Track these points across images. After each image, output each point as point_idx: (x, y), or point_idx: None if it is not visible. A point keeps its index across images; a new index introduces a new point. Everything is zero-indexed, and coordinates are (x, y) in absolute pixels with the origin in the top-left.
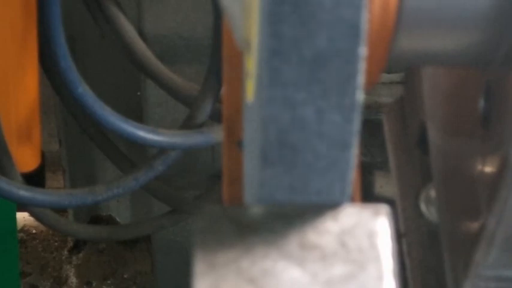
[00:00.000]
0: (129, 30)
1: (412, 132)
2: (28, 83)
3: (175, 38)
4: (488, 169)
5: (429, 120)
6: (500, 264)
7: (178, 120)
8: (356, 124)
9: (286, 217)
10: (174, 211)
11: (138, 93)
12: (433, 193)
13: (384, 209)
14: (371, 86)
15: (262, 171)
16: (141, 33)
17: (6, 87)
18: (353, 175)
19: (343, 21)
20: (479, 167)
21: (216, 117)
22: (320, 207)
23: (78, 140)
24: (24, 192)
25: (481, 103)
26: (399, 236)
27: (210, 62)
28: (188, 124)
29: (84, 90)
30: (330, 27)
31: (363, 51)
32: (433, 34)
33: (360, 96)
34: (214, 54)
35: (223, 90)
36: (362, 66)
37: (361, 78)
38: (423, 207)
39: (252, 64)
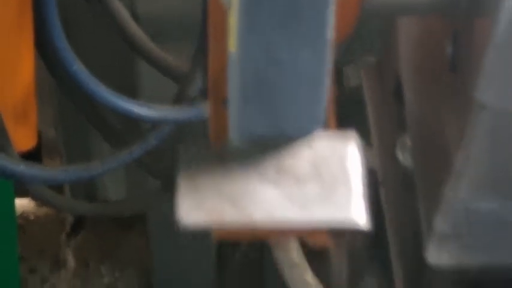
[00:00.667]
0: (121, 11)
1: (388, 85)
2: (24, 64)
3: (167, 18)
4: (456, 111)
5: (403, 73)
6: (468, 198)
7: (171, 98)
8: (327, 60)
9: (264, 147)
10: (168, 187)
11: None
12: (408, 141)
13: (352, 135)
14: (346, 36)
15: (242, 108)
16: (134, 14)
17: (2, 68)
18: (326, 108)
19: None
20: (448, 110)
21: (206, 93)
22: (295, 138)
23: (74, 124)
24: (24, 168)
25: (449, 49)
26: (377, 183)
27: (199, 38)
28: (179, 99)
29: (78, 68)
30: None
31: None
32: None
33: (331, 35)
34: (202, 30)
35: (209, 52)
36: (332, 9)
37: (331, 19)
38: (399, 154)
39: (233, 17)
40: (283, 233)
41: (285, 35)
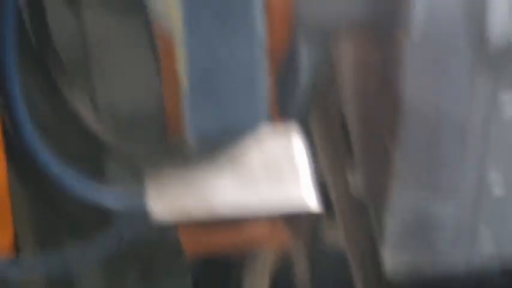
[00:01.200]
0: (83, 111)
1: (333, 116)
2: None
3: (127, 117)
4: (391, 117)
5: (346, 100)
6: (411, 198)
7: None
8: (261, 57)
9: (217, 145)
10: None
11: None
12: (355, 165)
13: (295, 128)
14: (282, 51)
15: (192, 105)
16: (96, 112)
17: None
18: (266, 97)
19: None
20: (385, 120)
21: None
22: (242, 132)
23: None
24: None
25: (379, 62)
26: (331, 209)
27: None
28: None
29: (46, 157)
30: None
31: None
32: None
33: (262, 32)
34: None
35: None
36: (260, 9)
37: (260, 18)
38: (349, 177)
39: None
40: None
41: (221, 34)
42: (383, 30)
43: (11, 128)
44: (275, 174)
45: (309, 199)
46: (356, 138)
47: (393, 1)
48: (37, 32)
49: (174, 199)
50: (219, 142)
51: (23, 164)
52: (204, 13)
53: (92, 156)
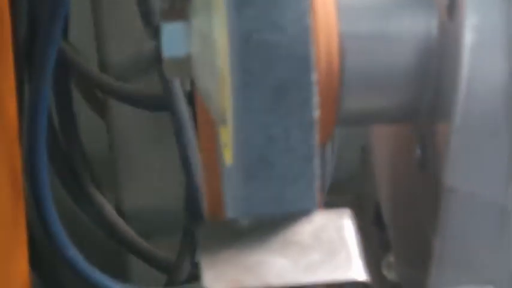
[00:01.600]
0: (107, 208)
1: (367, 214)
2: (18, 259)
3: (151, 213)
4: (430, 207)
5: (382, 196)
6: (451, 282)
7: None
8: (315, 139)
9: (268, 224)
10: None
11: None
12: (392, 259)
13: (347, 212)
14: (326, 139)
15: (245, 188)
16: (119, 211)
17: None
18: (317, 184)
19: (296, 54)
20: (424, 211)
21: (194, 277)
22: (294, 214)
23: None
24: None
25: (418, 152)
26: None
27: (183, 226)
28: (169, 285)
29: (74, 254)
30: (287, 61)
31: (315, 77)
32: (370, 92)
33: (316, 115)
34: (186, 220)
35: (203, 186)
36: (315, 90)
37: (316, 100)
38: (385, 272)
39: (228, 134)
40: None
41: (276, 115)
42: (422, 121)
43: (39, 225)
44: (326, 252)
45: (360, 275)
46: (392, 227)
47: (434, 93)
48: (67, 135)
49: (229, 275)
50: (268, 225)
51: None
52: (258, 90)
53: (114, 252)
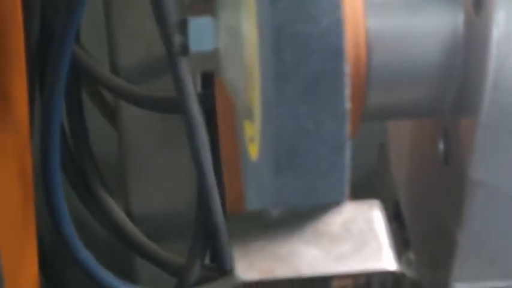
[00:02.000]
0: (117, 211)
1: (386, 210)
2: (28, 257)
3: (160, 216)
4: (453, 202)
5: (400, 193)
6: (475, 277)
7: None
8: (346, 130)
9: (298, 215)
10: None
11: None
12: (412, 256)
13: (376, 203)
14: (354, 133)
15: (276, 180)
16: (129, 214)
17: (6, 263)
18: (348, 176)
19: (329, 46)
20: (446, 205)
21: (204, 281)
22: (324, 206)
23: None
24: None
25: (441, 146)
26: None
27: (194, 228)
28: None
29: (86, 255)
30: (320, 52)
31: (347, 69)
32: (396, 86)
33: (348, 106)
34: (197, 222)
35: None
36: (347, 82)
37: (348, 92)
38: (405, 270)
39: (254, 128)
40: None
41: (310, 105)
42: (446, 115)
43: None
44: (356, 243)
45: (391, 265)
46: (411, 224)
47: (460, 88)
48: (77, 140)
49: (261, 265)
50: (299, 216)
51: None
52: (293, 82)
53: (124, 255)
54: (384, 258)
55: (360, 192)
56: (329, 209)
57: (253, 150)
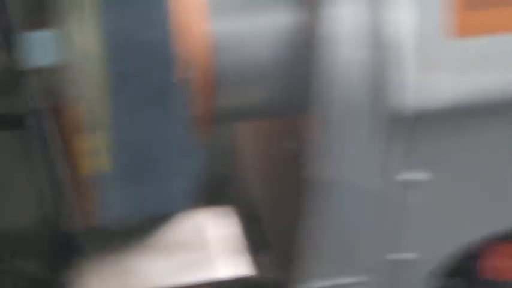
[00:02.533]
0: None
1: (241, 213)
2: None
3: (14, 233)
4: (303, 204)
5: (256, 196)
6: (327, 274)
7: None
8: (191, 136)
9: (150, 225)
10: None
11: None
12: (268, 258)
13: (228, 210)
14: (205, 138)
15: (126, 190)
16: None
17: None
18: (194, 184)
19: (161, 55)
20: (298, 209)
21: None
22: (174, 214)
23: None
24: None
25: (290, 145)
26: None
27: (50, 244)
28: None
29: None
30: (154, 62)
31: (187, 75)
32: (243, 87)
33: (186, 112)
34: (54, 237)
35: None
36: (190, 88)
37: (191, 99)
38: (260, 272)
39: (103, 140)
40: None
41: (149, 115)
42: (293, 114)
43: None
44: (207, 243)
45: (240, 266)
46: (268, 224)
47: (300, 89)
48: None
49: (110, 281)
50: (151, 223)
51: None
52: (130, 92)
53: None
54: (236, 264)
55: (214, 198)
56: (179, 218)
57: (101, 163)
